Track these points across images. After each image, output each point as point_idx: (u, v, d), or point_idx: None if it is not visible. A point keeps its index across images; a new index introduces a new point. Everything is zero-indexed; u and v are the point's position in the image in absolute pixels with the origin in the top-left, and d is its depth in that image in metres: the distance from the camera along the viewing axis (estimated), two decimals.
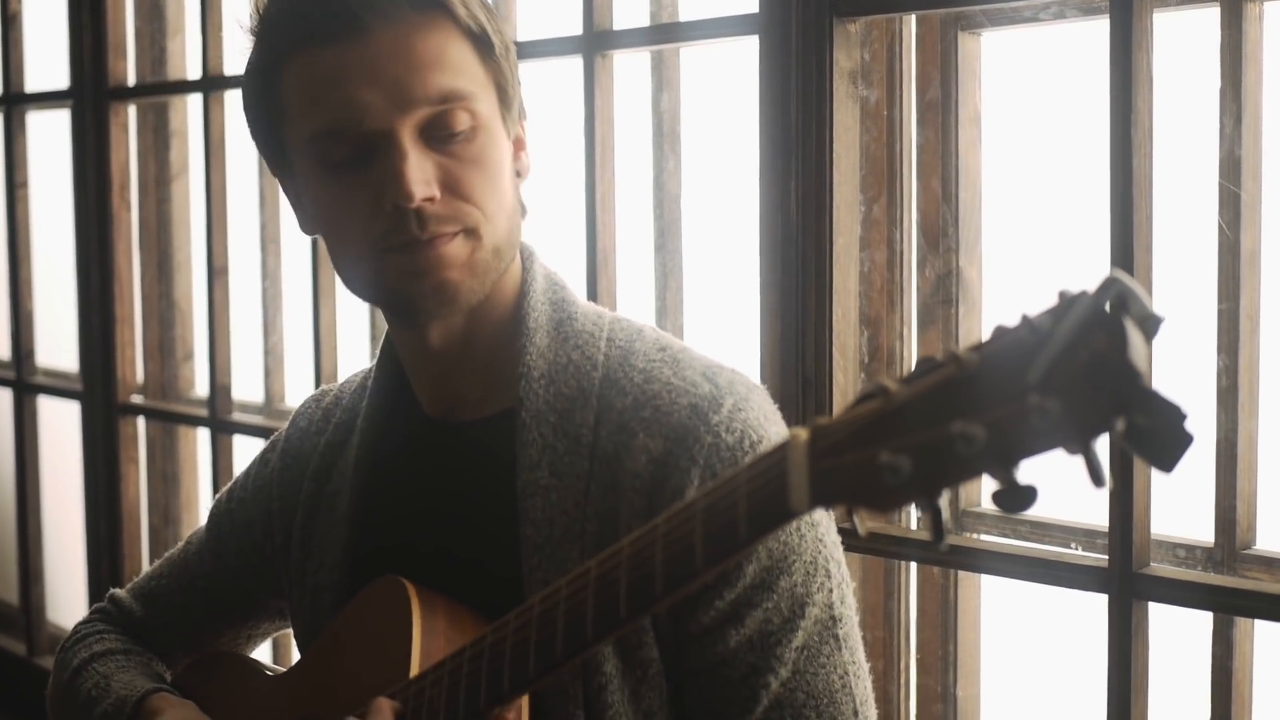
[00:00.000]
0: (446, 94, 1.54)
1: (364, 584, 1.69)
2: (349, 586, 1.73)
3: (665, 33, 2.53)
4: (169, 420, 3.75)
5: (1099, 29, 2.11)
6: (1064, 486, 2.15)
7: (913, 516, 2.35)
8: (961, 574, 2.33)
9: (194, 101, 3.70)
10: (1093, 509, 2.16)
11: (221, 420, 3.46)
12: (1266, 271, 2.03)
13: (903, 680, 2.40)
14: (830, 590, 1.57)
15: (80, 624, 2.03)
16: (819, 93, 2.23)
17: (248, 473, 1.96)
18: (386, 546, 1.70)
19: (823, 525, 1.58)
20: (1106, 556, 2.03)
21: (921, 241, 2.31)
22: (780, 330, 2.29)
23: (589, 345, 1.64)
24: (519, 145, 1.67)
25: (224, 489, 1.99)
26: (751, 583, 1.53)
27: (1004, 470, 0.99)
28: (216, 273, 3.44)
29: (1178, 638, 2.12)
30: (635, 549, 1.28)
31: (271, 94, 1.62)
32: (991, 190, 2.31)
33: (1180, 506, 2.08)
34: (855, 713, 1.56)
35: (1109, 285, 0.96)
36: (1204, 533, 2.09)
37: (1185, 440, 0.95)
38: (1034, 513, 2.25)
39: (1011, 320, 1.02)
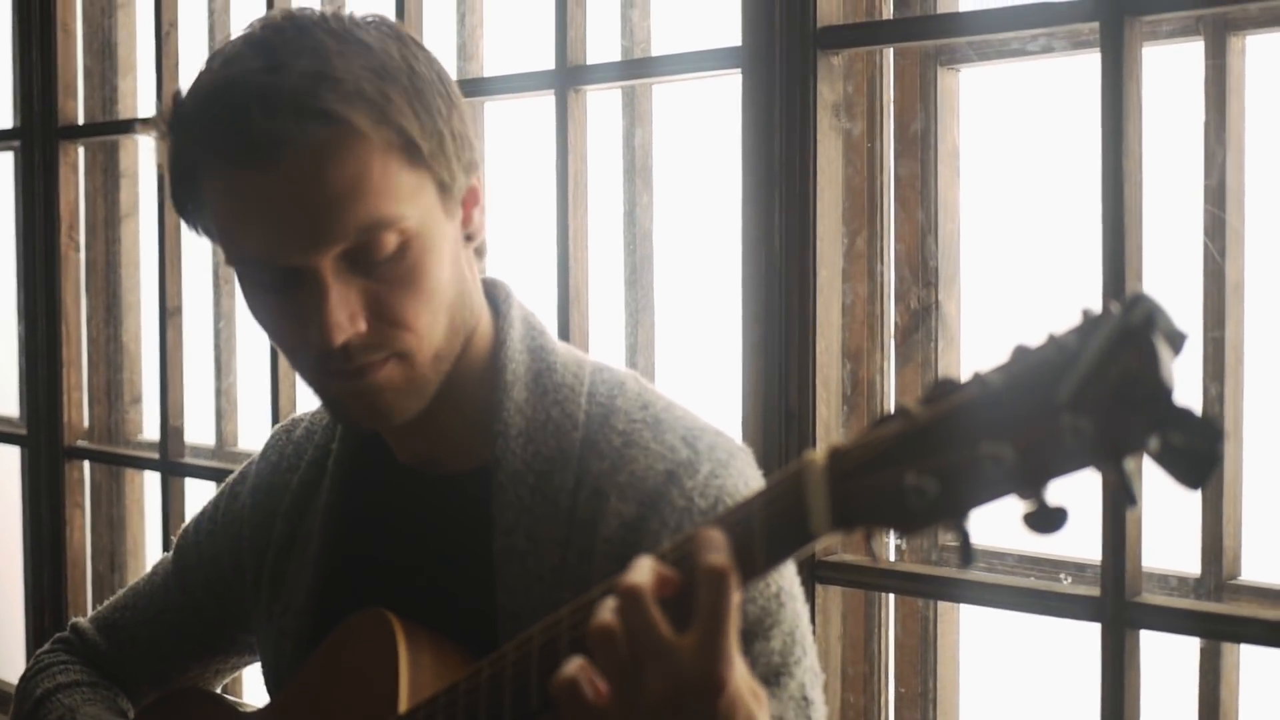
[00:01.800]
0: (367, 226, 1.42)
1: (327, 632, 1.64)
2: (313, 634, 1.68)
3: (645, 67, 2.52)
4: (118, 464, 3.69)
5: (1080, 63, 2.13)
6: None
7: (891, 547, 2.35)
8: (941, 610, 2.33)
9: (146, 141, 3.66)
10: (1079, 543, 2.16)
11: (173, 462, 3.41)
12: (1251, 301, 2.05)
13: (882, 716, 2.38)
14: (807, 668, 1.53)
15: (42, 653, 1.97)
16: (803, 125, 2.24)
17: (216, 505, 1.89)
18: (354, 595, 1.63)
19: (799, 601, 1.54)
20: (1097, 588, 2.03)
21: (901, 275, 2.31)
22: (763, 363, 2.28)
23: (569, 401, 1.57)
24: (471, 202, 1.55)
25: (190, 520, 1.93)
26: None
27: (1033, 491, 0.99)
28: (169, 313, 3.39)
29: (1164, 668, 2.12)
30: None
31: (194, 189, 1.49)
32: (970, 225, 2.32)
33: (1167, 539, 2.09)
34: None
35: (1137, 302, 0.96)
36: (1191, 566, 2.10)
37: (1215, 459, 0.95)
38: (1021, 547, 2.26)
39: (1034, 340, 1.01)
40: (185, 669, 1.94)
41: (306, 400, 3.10)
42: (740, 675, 1.15)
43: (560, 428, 1.56)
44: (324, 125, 1.40)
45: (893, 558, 2.34)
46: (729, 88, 2.45)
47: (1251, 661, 2.08)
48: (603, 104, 2.66)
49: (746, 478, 1.54)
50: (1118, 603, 1.99)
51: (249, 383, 3.41)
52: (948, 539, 2.32)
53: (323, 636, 1.65)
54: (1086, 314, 0.99)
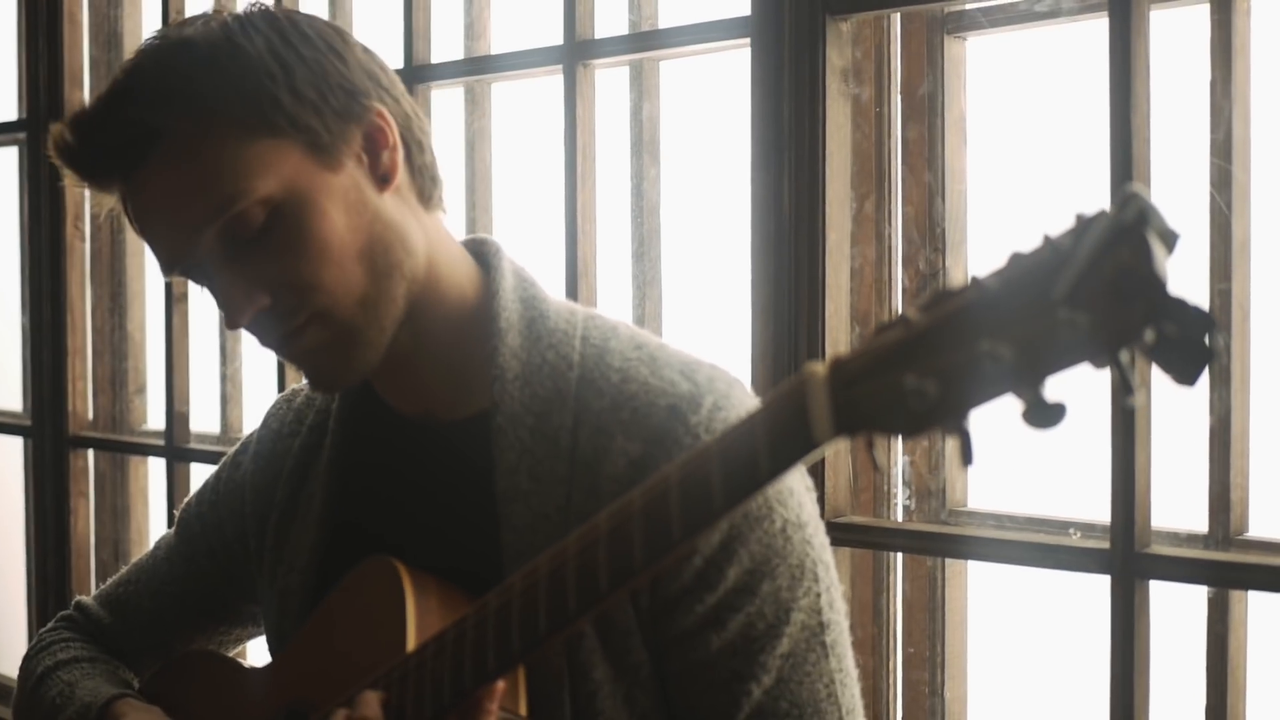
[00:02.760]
0: (218, 207, 1.47)
1: (331, 587, 1.66)
2: (316, 590, 1.70)
3: (654, 39, 2.55)
4: (123, 451, 3.70)
5: (1087, 27, 2.16)
6: (1057, 480, 2.17)
7: (899, 506, 2.37)
8: (949, 571, 2.35)
9: None
10: (1086, 504, 2.18)
11: (179, 448, 3.42)
12: (1258, 257, 2.08)
13: (891, 680, 2.40)
14: (818, 595, 1.54)
15: (45, 631, 1.99)
16: (812, 90, 2.26)
17: (218, 475, 1.92)
18: (358, 550, 1.64)
19: (810, 526, 1.56)
20: (1105, 542, 2.05)
21: (909, 239, 2.34)
22: (773, 327, 2.30)
23: (563, 344, 1.60)
24: (379, 145, 1.55)
25: (192, 494, 1.96)
26: (733, 586, 1.50)
27: (1031, 388, 1.01)
28: (175, 300, 3.41)
29: (1172, 621, 2.14)
30: (649, 497, 1.26)
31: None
32: (977, 190, 2.35)
33: (1173, 497, 2.11)
34: None
35: (1129, 200, 0.98)
36: (1198, 523, 2.12)
37: (1207, 353, 0.97)
38: (1025, 508, 2.28)
39: (1028, 244, 1.03)
40: (189, 640, 1.96)
41: None
42: None
43: (556, 369, 1.58)
44: (139, 137, 1.47)
45: (900, 518, 2.36)
46: (735, 61, 2.48)
47: (1260, 611, 2.10)
48: (609, 80, 2.68)
49: (747, 408, 1.56)
50: (1127, 554, 2.01)
51: (254, 369, 3.42)
52: (956, 501, 2.34)
53: (327, 592, 1.67)
54: (1079, 216, 1.01)
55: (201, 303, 3.46)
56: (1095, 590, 2.17)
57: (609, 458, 1.52)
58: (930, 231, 2.32)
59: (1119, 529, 2.02)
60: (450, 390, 1.64)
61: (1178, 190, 2.09)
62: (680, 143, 2.66)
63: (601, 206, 2.65)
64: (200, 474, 3.41)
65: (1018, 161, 2.35)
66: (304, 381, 1.88)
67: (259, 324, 1.51)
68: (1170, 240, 0.98)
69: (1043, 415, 1.01)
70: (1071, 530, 2.14)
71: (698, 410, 1.52)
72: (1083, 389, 1.00)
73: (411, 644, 1.49)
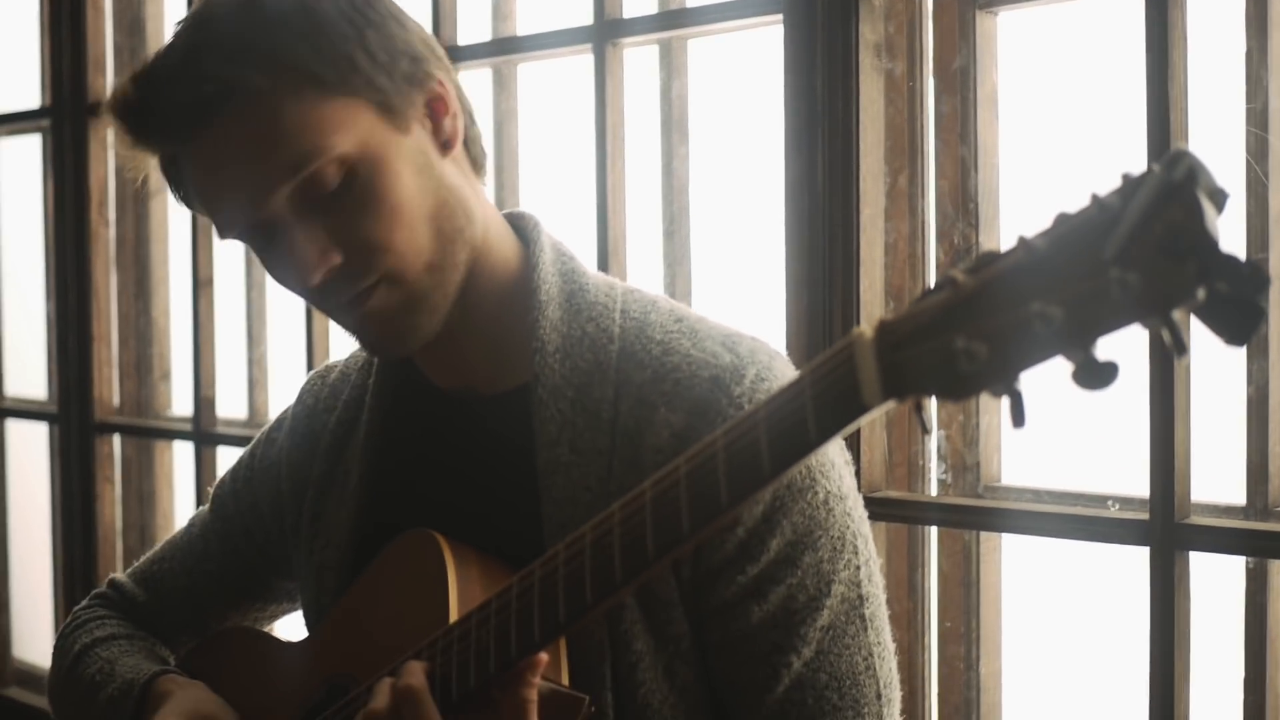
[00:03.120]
0: (296, 163, 1.47)
1: (369, 562, 1.66)
2: (353, 565, 1.70)
3: (683, 18, 2.55)
4: (151, 436, 3.71)
5: (1122, 1, 2.16)
6: (1092, 456, 2.17)
7: (933, 480, 2.36)
8: (984, 546, 2.35)
9: None
10: (1123, 478, 2.18)
11: (206, 433, 3.43)
12: None
13: (926, 655, 2.40)
14: (857, 568, 1.54)
15: (79, 609, 1.99)
16: (844, 64, 2.26)
17: (252, 453, 1.92)
18: (396, 524, 1.64)
19: (850, 499, 1.56)
20: (1143, 514, 2.05)
21: (944, 213, 2.33)
22: (807, 302, 2.31)
23: (603, 317, 1.60)
24: (440, 113, 1.57)
25: (226, 471, 1.96)
26: (775, 558, 1.50)
27: (1082, 349, 1.01)
28: (202, 284, 3.42)
29: (1208, 593, 2.13)
30: (694, 464, 1.26)
31: (181, 180, 1.59)
32: (1009, 166, 2.34)
33: (1210, 470, 2.10)
34: (879, 696, 1.54)
35: (1178, 158, 0.98)
36: (1235, 496, 2.11)
37: (1259, 313, 0.97)
38: (1060, 484, 2.27)
39: (1074, 205, 1.03)
40: (224, 617, 1.96)
41: None
42: None
43: (596, 342, 1.58)
44: (214, 93, 1.46)
45: (935, 492, 2.36)
46: (765, 39, 2.48)
47: None
48: (638, 58, 2.68)
49: (790, 378, 1.56)
50: (1167, 525, 2.01)
51: (280, 353, 3.43)
52: (991, 477, 2.34)
53: (365, 567, 1.67)
54: (1126, 176, 1.01)
55: (228, 286, 3.47)
56: (1129, 564, 2.17)
57: (651, 429, 1.52)
58: (964, 206, 2.32)
59: (1158, 500, 2.02)
60: (491, 363, 1.64)
61: (1214, 161, 2.08)
62: (710, 121, 2.66)
63: (631, 185, 2.65)
64: (227, 458, 3.42)
65: (1051, 135, 2.35)
66: (339, 359, 1.88)
67: (327, 285, 1.50)
68: (1219, 199, 0.98)
69: (1094, 376, 1.00)
70: (1110, 503, 2.14)
71: (740, 381, 1.52)
72: (1118, 361, 1.01)
73: (454, 615, 1.48)
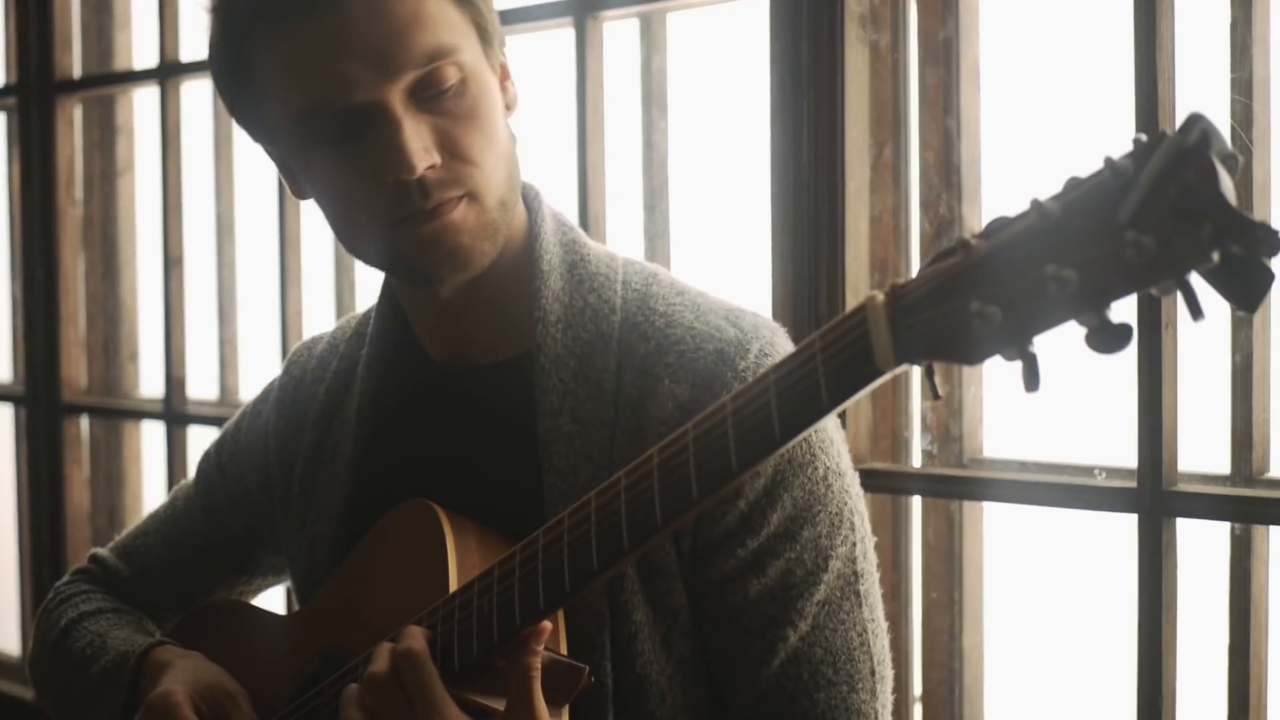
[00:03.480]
0: (431, 53, 1.48)
1: (363, 535, 1.65)
2: (347, 537, 1.70)
3: None
4: (120, 417, 3.69)
5: None
6: (1072, 429, 2.18)
7: (917, 452, 2.37)
8: (966, 518, 2.35)
9: (141, 95, 3.66)
10: (1107, 448, 2.19)
11: (178, 413, 3.41)
12: (1278, 203, 2.09)
13: (909, 629, 2.41)
14: (854, 544, 1.55)
15: (61, 584, 1.97)
16: (830, 36, 2.27)
17: (238, 425, 1.91)
18: (390, 495, 1.64)
19: (848, 476, 1.57)
20: (1130, 482, 2.06)
21: (927, 186, 2.34)
22: (793, 273, 2.31)
23: (605, 288, 1.61)
24: (504, 75, 1.61)
25: (211, 444, 1.95)
26: (775, 531, 1.51)
27: (1096, 312, 1.01)
28: (172, 263, 3.40)
29: (1191, 561, 2.15)
30: (702, 430, 1.26)
31: (243, 71, 1.55)
32: (992, 138, 2.35)
33: (1193, 439, 2.11)
34: (872, 672, 1.55)
35: (1193, 122, 0.98)
36: (1219, 464, 2.13)
37: (1270, 276, 0.97)
38: (1044, 456, 2.28)
39: (1087, 170, 1.04)
40: (209, 591, 1.95)
41: None
42: None
43: (598, 313, 1.59)
44: None
45: (918, 464, 2.36)
46: (746, 12, 2.48)
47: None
48: (619, 32, 2.68)
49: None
50: (1155, 492, 2.02)
51: (252, 333, 3.41)
52: (974, 449, 2.34)
53: (357, 541, 1.67)
54: (1138, 141, 1.01)
55: (198, 266, 3.45)
56: (1111, 535, 2.18)
57: (655, 400, 1.53)
58: (947, 178, 2.33)
59: (1146, 467, 2.03)
60: (491, 332, 1.64)
61: None
62: (691, 96, 2.66)
63: (611, 160, 2.65)
64: (199, 438, 3.40)
65: (1033, 107, 2.36)
66: (325, 332, 1.87)
67: (419, 185, 1.49)
68: (1231, 164, 0.99)
69: (1109, 338, 1.01)
70: (1097, 471, 2.15)
71: (745, 355, 1.53)
72: (1131, 324, 1.01)
73: (454, 585, 1.48)
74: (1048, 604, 2.47)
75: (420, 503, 1.57)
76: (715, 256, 2.69)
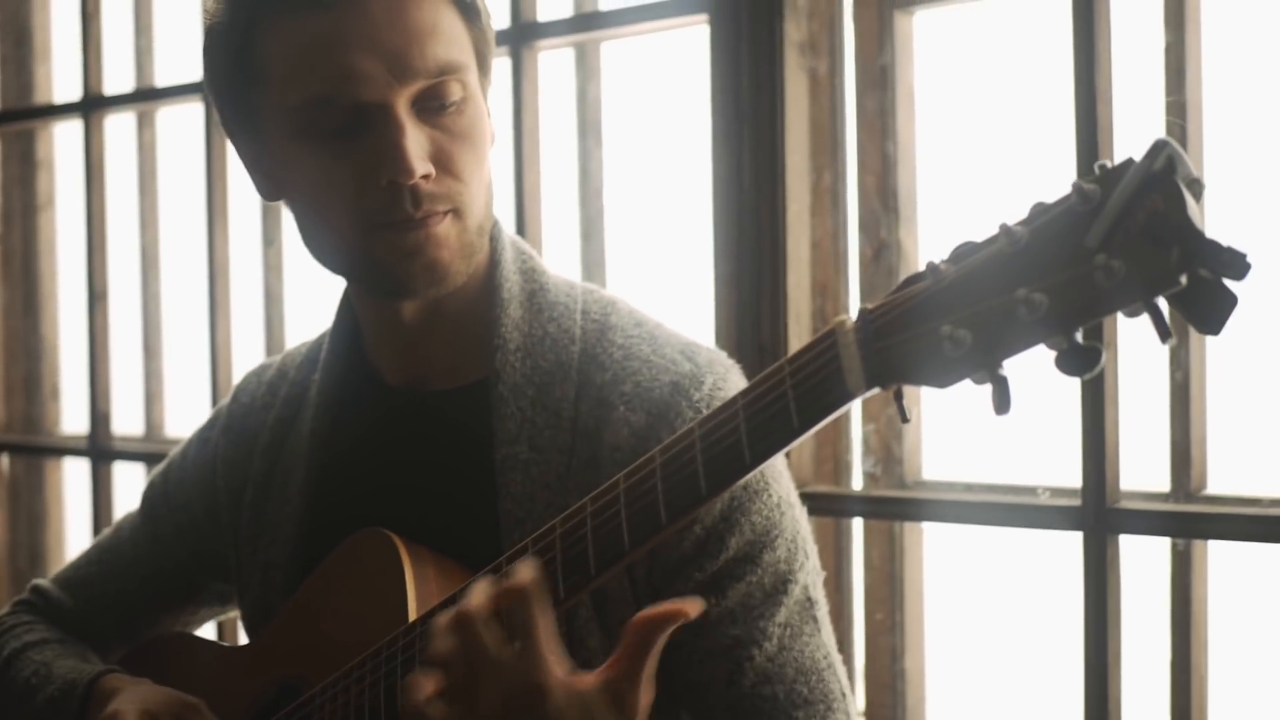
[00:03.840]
0: (444, 65, 1.50)
1: (318, 560, 1.65)
2: (302, 563, 1.69)
3: (607, 19, 2.56)
4: (42, 454, 3.64)
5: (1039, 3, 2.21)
6: (1014, 451, 2.20)
7: (857, 472, 2.39)
8: (907, 540, 2.37)
9: (61, 129, 3.63)
10: (1049, 469, 2.22)
11: (103, 449, 3.37)
12: (1212, 217, 2.12)
13: (852, 650, 2.42)
14: (809, 572, 1.57)
15: (2, 615, 1.94)
16: (770, 62, 2.29)
17: (184, 454, 1.89)
18: (345, 520, 1.64)
19: (797, 508, 1.59)
20: (1074, 500, 2.09)
21: (865, 212, 2.37)
22: (736, 298, 2.33)
23: (564, 318, 1.62)
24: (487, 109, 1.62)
25: (157, 472, 1.93)
26: (734, 556, 1.52)
27: (1065, 335, 1.03)
28: (97, 297, 3.36)
29: (1133, 579, 2.18)
30: (670, 454, 1.27)
31: (245, 55, 1.55)
32: (927, 163, 2.38)
33: (1135, 459, 2.14)
34: (843, 694, 1.56)
35: (1159, 149, 1.01)
36: (1157, 483, 2.15)
37: (1234, 300, 1.00)
38: (991, 478, 2.30)
39: (1052, 195, 1.06)
40: (155, 622, 1.93)
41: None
42: (566, 682, 1.27)
43: (558, 342, 1.60)
44: None
45: (858, 486, 2.38)
46: (681, 40, 2.50)
47: (1220, 561, 2.14)
48: (552, 62, 2.69)
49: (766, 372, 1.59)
50: (1099, 509, 2.05)
51: (178, 369, 3.38)
52: (915, 472, 2.37)
53: (313, 565, 1.66)
54: (1103, 167, 1.04)
55: (123, 300, 3.42)
56: (1053, 554, 2.21)
57: (610, 427, 1.54)
58: (885, 202, 2.35)
59: (1090, 484, 2.06)
60: (450, 357, 1.64)
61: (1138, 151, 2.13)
62: (627, 123, 2.68)
63: (547, 188, 2.66)
64: (125, 474, 3.37)
65: (969, 131, 2.39)
66: (274, 358, 1.86)
67: (409, 192, 1.49)
68: (1196, 189, 1.01)
69: (1078, 361, 1.03)
70: (1040, 490, 2.18)
71: (700, 387, 1.55)
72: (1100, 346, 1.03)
73: (413, 614, 1.48)
74: (990, 624, 2.49)
75: (377, 531, 1.57)
76: (653, 283, 2.70)
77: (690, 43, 2.50)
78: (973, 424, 2.27)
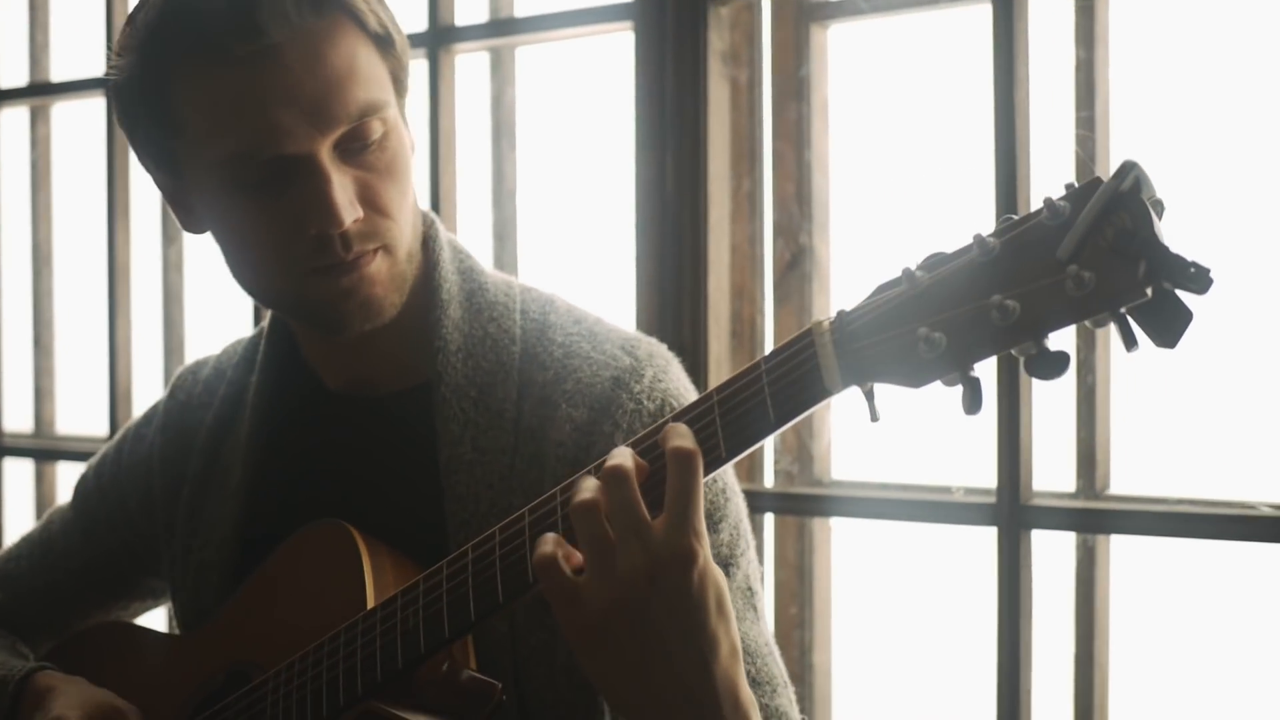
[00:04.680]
0: (364, 107, 1.49)
1: (254, 562, 1.66)
2: (238, 564, 1.70)
3: (531, 24, 2.59)
4: None
5: (953, 16, 2.29)
6: (931, 450, 2.27)
7: (769, 470, 2.45)
8: (816, 538, 2.44)
9: None
10: (961, 470, 2.29)
11: None
12: None
13: None
14: (750, 561, 1.60)
15: None
16: (694, 70, 2.35)
17: (119, 449, 1.89)
18: (283, 522, 1.64)
19: (739, 499, 1.61)
20: (989, 498, 2.17)
21: (783, 217, 2.43)
22: (658, 300, 2.38)
23: (504, 318, 1.64)
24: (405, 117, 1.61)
25: (89, 466, 1.92)
26: None
27: (1035, 340, 1.10)
28: None
29: (1040, 572, 2.26)
30: (643, 446, 1.29)
31: (160, 106, 1.53)
32: (842, 174, 2.45)
33: (1041, 461, 2.22)
34: (785, 683, 1.58)
35: (1127, 169, 1.08)
36: (1063, 483, 2.24)
37: (1189, 315, 1.07)
38: (904, 478, 2.37)
39: (1018, 212, 1.13)
40: (85, 615, 1.92)
41: (145, 376, 3.08)
42: (710, 556, 1.24)
43: (498, 343, 1.62)
44: (318, 13, 1.47)
45: (770, 483, 2.44)
46: (598, 47, 2.55)
47: (1122, 556, 2.22)
48: (469, 65, 2.72)
49: (684, 382, 1.63)
50: (1013, 505, 2.13)
51: (70, 364, 3.35)
52: (828, 472, 2.43)
53: (248, 568, 1.67)
54: (1071, 186, 1.11)
55: (14, 296, 3.39)
56: (962, 552, 2.29)
57: (554, 425, 1.56)
58: (801, 209, 2.42)
59: (1005, 482, 2.13)
60: (390, 362, 1.65)
61: (1050, 163, 2.22)
62: (543, 127, 2.71)
63: (462, 190, 2.69)
64: (13, 471, 3.34)
65: (880, 141, 2.47)
66: (210, 355, 1.86)
67: (340, 239, 1.49)
68: (1159, 208, 1.09)
69: (1048, 364, 1.10)
70: (955, 488, 2.25)
71: (640, 380, 1.57)
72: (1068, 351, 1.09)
73: (371, 601, 1.49)
74: (900, 619, 2.56)
75: (334, 523, 1.58)
76: (566, 285, 2.74)
77: (608, 49, 2.54)
78: (883, 429, 2.34)
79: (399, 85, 1.56)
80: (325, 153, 1.48)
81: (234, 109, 1.48)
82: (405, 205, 1.55)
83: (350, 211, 1.48)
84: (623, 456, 1.27)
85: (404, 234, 1.55)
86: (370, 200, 1.51)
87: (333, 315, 1.55)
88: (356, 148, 1.50)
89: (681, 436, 1.25)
